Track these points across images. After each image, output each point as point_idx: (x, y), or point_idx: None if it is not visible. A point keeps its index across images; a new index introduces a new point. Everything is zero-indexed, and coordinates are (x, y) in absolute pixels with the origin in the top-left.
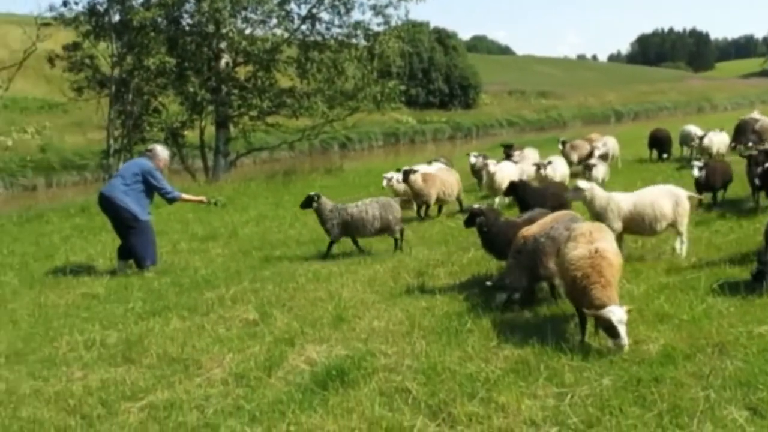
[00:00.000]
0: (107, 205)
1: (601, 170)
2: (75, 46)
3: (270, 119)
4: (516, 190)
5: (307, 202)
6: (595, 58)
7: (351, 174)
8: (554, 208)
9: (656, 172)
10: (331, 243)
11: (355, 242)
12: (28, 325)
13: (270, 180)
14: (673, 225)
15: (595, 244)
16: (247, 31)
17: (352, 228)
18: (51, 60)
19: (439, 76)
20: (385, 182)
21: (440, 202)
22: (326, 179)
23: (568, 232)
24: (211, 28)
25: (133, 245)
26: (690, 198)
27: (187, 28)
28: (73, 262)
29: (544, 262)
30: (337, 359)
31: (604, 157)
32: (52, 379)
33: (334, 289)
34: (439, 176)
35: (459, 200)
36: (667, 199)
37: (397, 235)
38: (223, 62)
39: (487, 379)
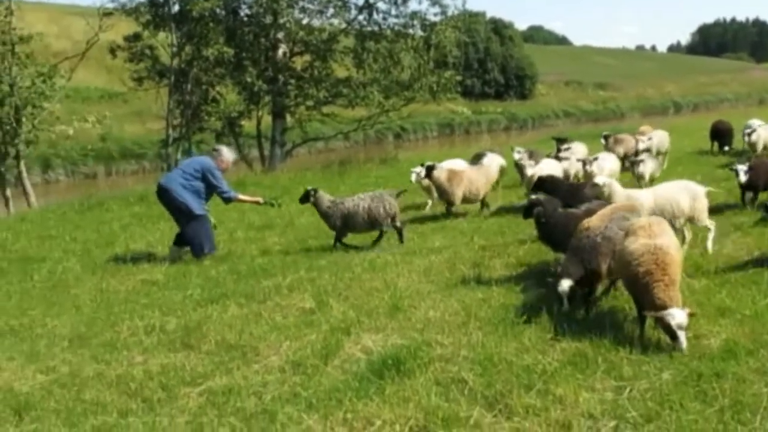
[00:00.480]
0: (164, 196)
1: (648, 166)
2: (135, 37)
3: (326, 109)
4: (544, 187)
5: (305, 197)
6: (654, 48)
7: (406, 164)
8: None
9: (716, 165)
10: (338, 238)
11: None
12: (90, 310)
13: (325, 170)
14: (691, 220)
15: (656, 240)
16: (305, 21)
17: (349, 222)
18: (112, 50)
19: (495, 67)
20: (413, 177)
21: (466, 202)
22: (381, 169)
23: (624, 229)
24: (268, 18)
25: (190, 235)
26: (708, 194)
27: (245, 18)
28: (132, 249)
29: (599, 262)
30: (393, 348)
31: (647, 152)
32: (114, 362)
33: (389, 278)
34: (467, 174)
35: (483, 202)
36: (685, 194)
37: (386, 229)
38: (280, 52)
39: (544, 371)
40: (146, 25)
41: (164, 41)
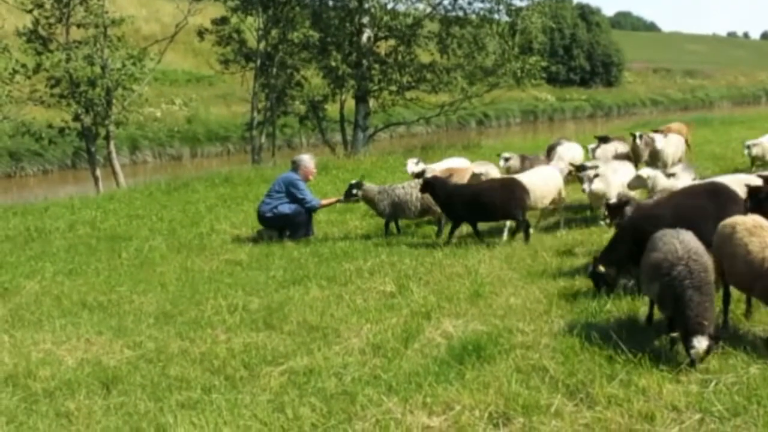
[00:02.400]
0: (264, 221)
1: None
2: (223, 21)
3: (409, 94)
4: (429, 188)
5: (349, 193)
6: (746, 35)
7: (488, 151)
8: None
9: None
10: (387, 223)
11: (397, 225)
12: (175, 288)
13: (407, 154)
14: None
15: None
16: (390, 6)
17: (398, 209)
18: (200, 34)
19: (580, 53)
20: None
21: None
22: (463, 155)
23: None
24: (354, 2)
25: (295, 228)
26: None
27: (331, 2)
28: (217, 229)
29: None
30: (474, 334)
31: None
32: (198, 340)
33: (470, 264)
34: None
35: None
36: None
37: (440, 217)
38: (365, 37)
39: (627, 361)
40: (234, 9)
41: (251, 25)
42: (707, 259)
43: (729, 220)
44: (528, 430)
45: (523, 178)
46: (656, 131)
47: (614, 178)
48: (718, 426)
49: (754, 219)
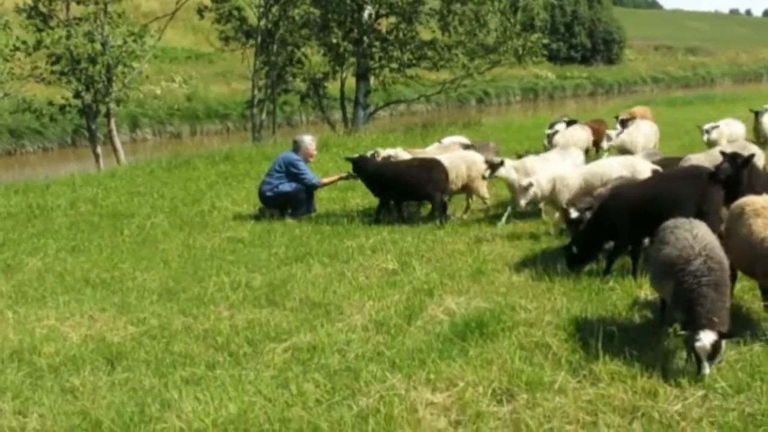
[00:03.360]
0: (265, 200)
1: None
2: None
3: (410, 71)
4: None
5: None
6: (749, 12)
7: (489, 128)
8: None
9: None
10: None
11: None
12: (178, 265)
13: (408, 132)
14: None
15: None
16: None
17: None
18: (200, 11)
19: (582, 30)
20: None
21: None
22: (464, 133)
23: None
24: None
25: (293, 206)
26: None
27: None
28: (218, 206)
29: None
30: (477, 311)
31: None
32: (201, 317)
33: (472, 242)
34: (449, 163)
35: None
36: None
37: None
38: (366, 14)
39: (630, 339)
40: None
41: (252, 2)
42: (723, 255)
43: (738, 201)
44: (531, 407)
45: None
46: (620, 119)
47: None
48: (722, 402)
49: (765, 199)
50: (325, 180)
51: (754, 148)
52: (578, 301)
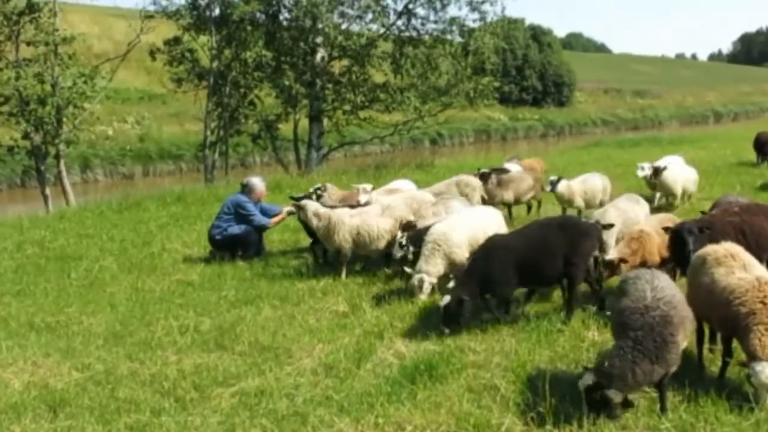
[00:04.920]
0: (215, 244)
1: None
2: (176, 41)
3: (363, 113)
4: None
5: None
6: (694, 56)
7: (442, 169)
8: None
9: (757, 176)
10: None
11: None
12: (125, 309)
13: (361, 173)
14: None
15: (754, 272)
16: (344, 26)
17: None
18: (152, 53)
19: (533, 73)
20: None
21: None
22: (417, 174)
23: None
24: (308, 22)
25: (242, 248)
26: None
27: (285, 22)
28: (168, 249)
29: None
30: (426, 354)
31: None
32: (148, 361)
33: None
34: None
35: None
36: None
37: None
38: (318, 56)
39: (575, 379)
40: (187, 28)
41: (204, 44)
42: (675, 311)
43: (701, 251)
44: None
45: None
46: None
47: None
48: None
49: (726, 248)
50: (274, 219)
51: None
52: (527, 342)
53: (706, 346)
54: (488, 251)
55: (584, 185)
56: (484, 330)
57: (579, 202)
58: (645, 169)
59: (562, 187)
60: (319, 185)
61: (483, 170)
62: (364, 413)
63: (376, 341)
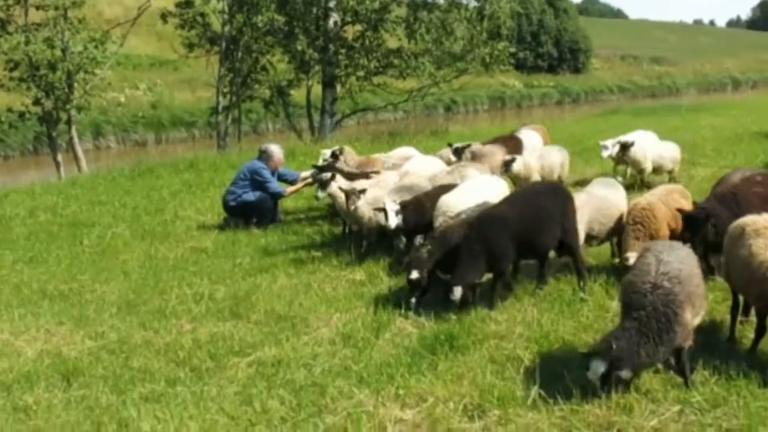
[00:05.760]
0: (228, 210)
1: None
2: (187, 4)
3: (376, 79)
4: None
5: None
6: (712, 23)
7: (456, 137)
8: None
9: None
10: None
11: None
12: (138, 277)
13: (375, 140)
14: None
15: None
16: None
17: None
18: (164, 16)
19: (548, 40)
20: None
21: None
22: (431, 141)
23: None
24: None
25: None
26: None
27: None
28: (181, 216)
29: None
30: (446, 324)
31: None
32: (162, 330)
33: None
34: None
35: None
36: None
37: None
38: (331, 21)
39: None
40: None
41: (215, 8)
42: (680, 287)
43: (739, 221)
44: (504, 423)
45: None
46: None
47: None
48: (698, 418)
49: (765, 219)
50: (290, 188)
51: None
52: (549, 312)
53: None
54: (486, 226)
55: (542, 161)
56: (504, 299)
57: (537, 178)
58: (609, 148)
59: (518, 166)
60: (336, 147)
61: (456, 145)
62: (384, 384)
63: (394, 310)
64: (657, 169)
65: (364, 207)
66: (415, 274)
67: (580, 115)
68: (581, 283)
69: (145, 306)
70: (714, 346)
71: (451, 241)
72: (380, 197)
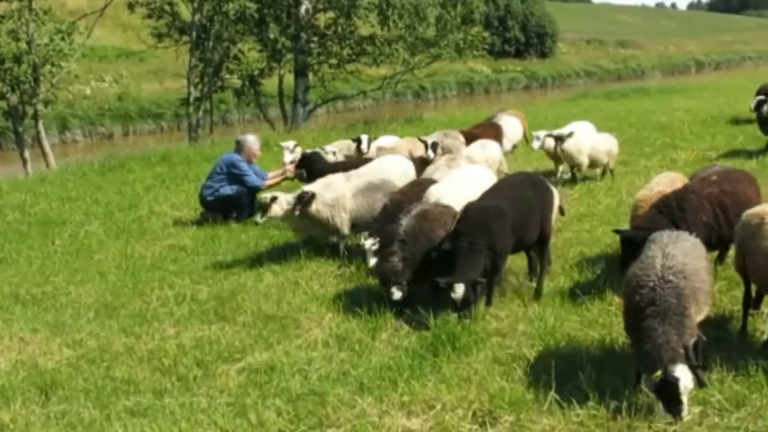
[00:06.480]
0: (205, 205)
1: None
2: None
3: (349, 67)
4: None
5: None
6: (674, 6)
7: (432, 123)
8: None
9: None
10: None
11: None
12: (116, 278)
13: (350, 129)
14: None
15: None
16: None
17: None
18: (131, 6)
19: (515, 24)
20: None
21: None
22: (407, 129)
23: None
24: None
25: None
26: None
27: None
28: (157, 211)
29: None
30: (447, 322)
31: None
32: (144, 336)
33: None
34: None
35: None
36: None
37: None
38: (303, 9)
39: (613, 349)
40: None
41: None
42: (687, 281)
43: (755, 210)
44: (518, 430)
45: None
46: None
47: None
48: (722, 420)
49: None
50: (269, 181)
51: None
52: (550, 306)
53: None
54: (483, 217)
55: (484, 152)
56: (504, 294)
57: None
58: (541, 139)
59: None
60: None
61: (431, 140)
62: (387, 390)
63: (388, 308)
64: (592, 164)
65: (324, 210)
66: (397, 294)
67: (550, 99)
68: (538, 287)
69: (125, 309)
70: (724, 340)
71: (429, 241)
72: (341, 197)
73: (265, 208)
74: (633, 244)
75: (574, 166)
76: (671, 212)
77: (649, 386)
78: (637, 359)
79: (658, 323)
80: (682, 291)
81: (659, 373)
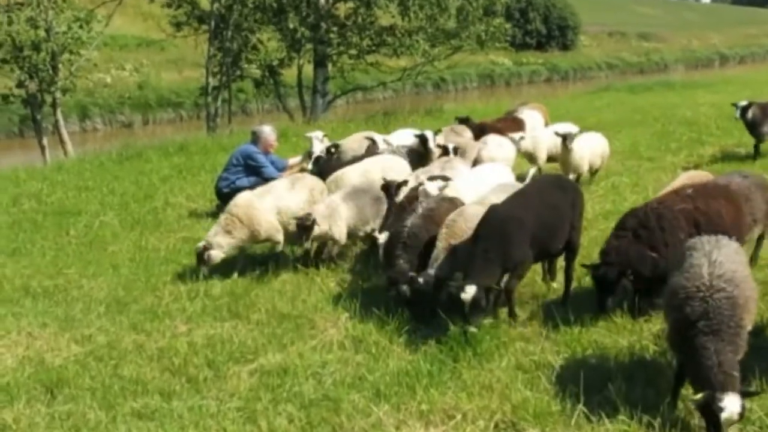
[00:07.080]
0: (221, 197)
1: None
2: None
3: (369, 58)
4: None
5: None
6: None
7: (451, 115)
8: None
9: None
10: None
11: None
12: (128, 271)
13: (369, 120)
14: None
15: None
16: None
17: None
18: None
19: (536, 16)
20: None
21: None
22: (427, 120)
23: None
24: None
25: None
26: None
27: None
28: (172, 203)
29: None
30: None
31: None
32: (155, 333)
33: None
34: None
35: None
36: None
37: None
38: None
39: (643, 358)
40: None
41: None
42: (739, 289)
43: None
44: None
45: None
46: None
47: None
48: None
49: None
50: (286, 173)
51: None
52: (575, 310)
53: None
54: (502, 225)
55: (501, 151)
56: (522, 293)
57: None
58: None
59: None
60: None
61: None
62: (405, 398)
63: (406, 309)
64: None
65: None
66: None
67: (572, 92)
68: (565, 297)
69: (136, 304)
70: (762, 348)
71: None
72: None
73: (202, 258)
74: (606, 282)
75: (572, 169)
76: (649, 233)
77: (693, 401)
78: (688, 374)
79: (711, 340)
80: (736, 300)
81: (703, 395)
